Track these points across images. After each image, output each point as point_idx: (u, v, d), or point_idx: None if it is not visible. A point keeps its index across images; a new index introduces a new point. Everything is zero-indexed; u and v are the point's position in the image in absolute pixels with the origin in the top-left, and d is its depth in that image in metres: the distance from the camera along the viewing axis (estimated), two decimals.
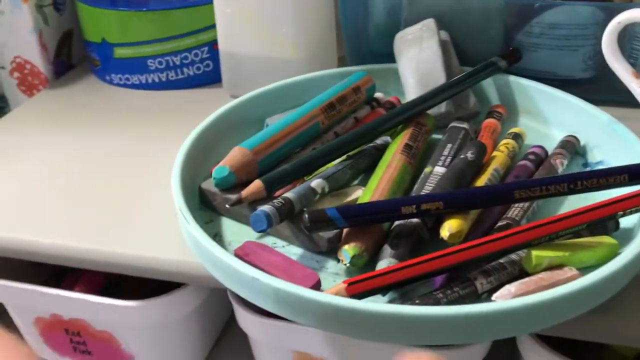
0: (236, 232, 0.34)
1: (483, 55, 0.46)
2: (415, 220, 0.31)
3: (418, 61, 0.44)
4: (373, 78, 0.45)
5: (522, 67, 0.46)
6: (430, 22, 0.45)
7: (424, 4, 0.47)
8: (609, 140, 0.38)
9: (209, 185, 0.35)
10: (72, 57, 0.59)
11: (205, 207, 0.36)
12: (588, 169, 0.39)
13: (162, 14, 0.50)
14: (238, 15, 0.47)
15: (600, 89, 0.46)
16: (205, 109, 0.42)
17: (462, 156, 0.35)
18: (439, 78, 0.43)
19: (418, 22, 0.46)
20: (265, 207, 0.31)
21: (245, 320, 0.40)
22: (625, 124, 0.39)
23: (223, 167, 0.35)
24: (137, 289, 0.43)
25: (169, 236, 0.35)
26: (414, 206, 0.30)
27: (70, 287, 0.44)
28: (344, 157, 0.37)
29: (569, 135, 0.39)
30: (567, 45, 0.45)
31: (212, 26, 0.50)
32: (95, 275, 0.46)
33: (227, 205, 0.33)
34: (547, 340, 0.36)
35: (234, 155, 0.35)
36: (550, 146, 0.39)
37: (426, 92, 0.41)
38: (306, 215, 0.30)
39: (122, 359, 0.44)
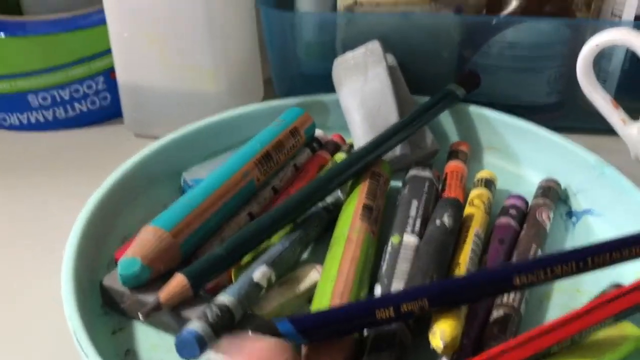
0: (156, 344, 0.26)
1: (435, 79, 0.40)
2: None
3: (364, 93, 0.37)
4: (308, 110, 0.37)
5: (479, 92, 0.40)
6: (375, 46, 0.38)
7: (365, 22, 0.40)
8: (596, 185, 0.33)
9: (114, 281, 0.27)
10: None
11: (110, 310, 0.27)
12: (574, 219, 0.33)
13: (45, 38, 0.40)
14: (139, 40, 0.38)
15: (567, 114, 0.41)
16: (105, 154, 0.35)
17: (437, 222, 0.28)
18: (390, 114, 0.36)
19: (358, 42, 0.39)
20: (195, 326, 0.23)
21: None
22: (599, 154, 0.34)
23: (133, 258, 0.26)
24: None
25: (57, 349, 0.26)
26: (392, 308, 0.23)
27: None
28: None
29: (549, 180, 0.33)
30: (530, 66, 0.39)
31: (109, 51, 0.41)
32: None
33: (140, 313, 0.25)
34: None
35: (147, 240, 0.27)
36: (526, 191, 0.33)
37: (378, 134, 0.34)
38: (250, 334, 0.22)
39: None
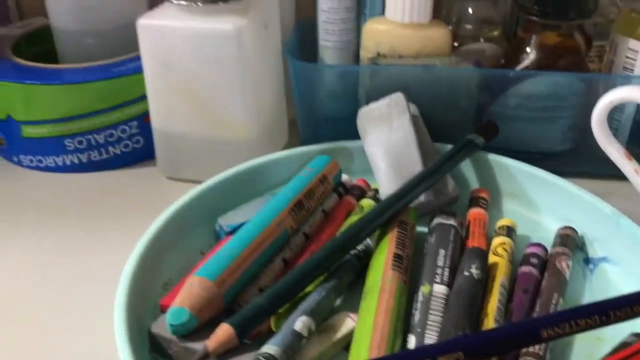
0: None
1: (454, 127, 0.42)
2: None
3: (389, 143, 0.38)
4: (333, 156, 0.39)
5: (498, 141, 0.42)
6: (399, 98, 0.40)
7: (388, 74, 0.42)
8: (612, 234, 0.34)
9: (162, 328, 0.28)
10: None
11: (158, 356, 0.29)
12: (591, 266, 0.35)
13: (81, 87, 0.42)
14: (174, 90, 0.40)
15: (580, 160, 0.43)
16: (138, 196, 0.36)
17: (465, 273, 0.30)
18: (415, 163, 0.38)
19: (380, 91, 0.41)
20: None
21: None
22: (611, 200, 0.36)
23: (181, 308, 0.28)
24: None
25: None
26: None
27: None
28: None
29: (567, 228, 0.35)
30: (546, 117, 0.41)
31: (142, 97, 0.43)
32: None
33: None
34: None
35: (193, 291, 0.28)
36: (544, 237, 0.35)
37: (403, 181, 0.36)
38: None
39: None
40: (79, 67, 0.44)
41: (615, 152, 0.37)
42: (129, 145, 0.45)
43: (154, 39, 0.39)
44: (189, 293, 0.28)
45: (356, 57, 0.49)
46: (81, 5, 0.46)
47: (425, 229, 0.35)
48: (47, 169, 0.45)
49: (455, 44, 0.46)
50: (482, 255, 0.31)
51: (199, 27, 0.37)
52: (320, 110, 0.45)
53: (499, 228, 0.35)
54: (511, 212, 0.39)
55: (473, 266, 0.30)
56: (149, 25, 0.38)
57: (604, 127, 0.36)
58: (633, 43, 0.40)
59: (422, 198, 0.37)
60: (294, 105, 0.46)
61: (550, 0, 0.38)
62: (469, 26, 0.46)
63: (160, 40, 0.38)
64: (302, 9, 0.51)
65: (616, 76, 0.41)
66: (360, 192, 0.39)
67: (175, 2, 0.38)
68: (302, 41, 0.48)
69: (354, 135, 0.41)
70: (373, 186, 0.40)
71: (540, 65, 0.41)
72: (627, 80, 0.40)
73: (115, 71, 0.43)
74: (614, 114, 0.42)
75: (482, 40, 0.46)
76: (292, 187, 0.36)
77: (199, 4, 0.38)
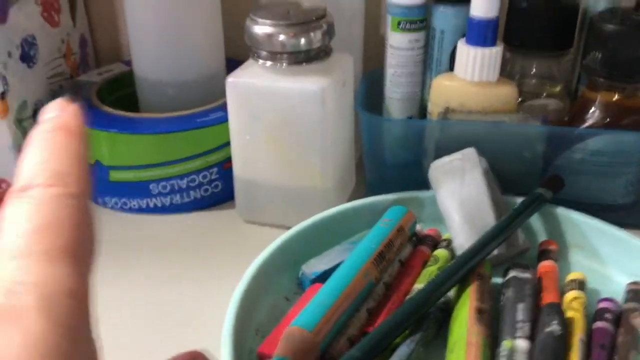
0: None
1: (521, 180, 0.44)
2: None
3: (462, 196, 0.41)
4: (410, 205, 0.42)
5: (562, 192, 0.44)
6: (472, 152, 0.42)
7: (457, 129, 0.44)
8: None
9: None
10: None
11: None
12: None
13: (167, 137, 0.45)
14: (258, 141, 0.43)
15: None
16: (218, 237, 0.40)
17: (547, 329, 0.32)
18: (488, 216, 0.40)
19: (451, 144, 0.43)
20: None
21: None
22: None
23: (284, 358, 0.30)
24: None
25: None
26: None
27: None
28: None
29: (637, 283, 0.37)
30: (610, 172, 0.43)
31: (223, 146, 0.46)
32: None
33: None
34: None
35: (294, 341, 0.31)
36: (613, 290, 0.37)
37: (477, 234, 0.38)
38: None
39: None
40: (163, 117, 0.47)
41: None
42: (209, 190, 0.48)
43: (242, 95, 0.41)
44: (289, 343, 0.31)
45: (420, 108, 0.51)
46: (165, 58, 0.49)
47: (498, 279, 0.37)
48: (131, 210, 0.48)
49: (520, 98, 0.48)
50: (560, 310, 0.33)
51: (285, 86, 0.40)
52: (387, 158, 0.48)
53: (570, 281, 0.37)
54: (578, 264, 0.40)
55: (554, 322, 0.32)
56: (237, 82, 0.41)
57: None
58: None
59: (495, 251, 0.39)
60: (359, 148, 0.48)
61: (616, 63, 0.40)
62: (531, 82, 0.48)
63: (247, 96, 0.41)
64: (368, 62, 0.53)
65: None
66: (433, 242, 0.41)
67: (260, 62, 0.41)
68: (369, 90, 0.51)
69: (417, 180, 0.44)
70: (444, 236, 0.42)
71: (605, 124, 0.42)
72: None
73: (199, 122, 0.46)
74: None
75: (544, 95, 0.48)
76: (373, 237, 0.38)
77: (285, 64, 0.40)
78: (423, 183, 0.44)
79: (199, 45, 0.49)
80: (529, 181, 0.43)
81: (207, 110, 0.47)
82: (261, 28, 0.40)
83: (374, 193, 0.46)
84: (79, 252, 0.17)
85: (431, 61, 0.49)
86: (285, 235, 0.39)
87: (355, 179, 0.50)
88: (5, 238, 0.16)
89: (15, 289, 0.15)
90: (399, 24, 0.47)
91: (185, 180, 0.47)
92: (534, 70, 0.48)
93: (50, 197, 0.17)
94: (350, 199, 0.47)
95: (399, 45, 0.48)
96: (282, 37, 0.40)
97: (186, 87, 0.50)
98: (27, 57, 0.48)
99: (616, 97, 0.42)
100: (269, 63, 0.41)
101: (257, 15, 0.40)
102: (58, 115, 0.20)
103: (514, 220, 0.39)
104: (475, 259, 0.36)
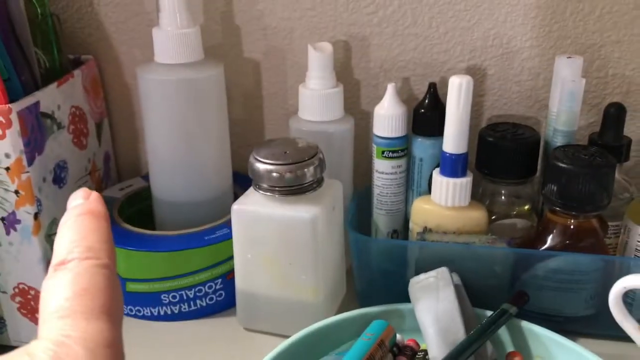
0: None
1: (490, 293, 0.49)
2: None
3: (437, 312, 0.46)
4: (390, 317, 0.47)
5: (528, 305, 0.49)
6: (444, 272, 0.48)
7: (433, 249, 0.50)
8: None
9: None
10: None
11: None
12: None
13: (177, 254, 0.51)
14: (258, 259, 0.48)
15: (601, 324, 0.49)
16: (220, 342, 0.45)
17: None
18: (459, 331, 0.45)
19: (428, 261, 0.49)
20: None
21: None
22: None
23: None
24: None
25: None
26: None
27: None
28: None
29: None
30: (570, 287, 0.48)
31: (227, 259, 0.52)
32: None
33: None
34: None
35: None
36: None
37: (449, 347, 0.43)
38: None
39: None
40: (174, 234, 0.53)
41: (630, 327, 0.43)
42: (214, 299, 0.53)
43: (245, 221, 0.48)
44: None
45: (404, 221, 0.57)
46: (179, 182, 0.56)
47: None
48: (144, 317, 0.53)
49: (494, 216, 0.54)
50: None
51: (282, 214, 0.46)
52: (374, 271, 0.53)
53: None
54: None
55: None
56: (241, 210, 0.48)
57: (619, 306, 0.43)
58: None
59: None
60: (350, 258, 0.54)
61: (568, 196, 0.47)
62: (502, 202, 0.54)
63: (249, 222, 0.48)
64: (358, 182, 0.60)
65: (629, 259, 0.49)
66: (412, 352, 0.46)
67: (261, 192, 0.47)
68: (359, 207, 0.57)
69: (403, 290, 0.49)
70: (422, 346, 0.47)
71: (564, 246, 0.48)
72: (638, 262, 0.48)
73: (207, 239, 0.52)
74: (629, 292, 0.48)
75: (514, 213, 0.54)
76: (356, 352, 0.43)
77: (277, 195, 0.47)
78: (407, 294, 0.49)
79: (210, 170, 0.56)
80: (498, 295, 0.49)
81: (214, 228, 0.54)
82: (262, 166, 0.46)
83: (363, 301, 0.51)
84: (112, 310, 0.22)
85: (412, 183, 0.56)
86: (276, 349, 0.45)
87: (347, 286, 0.55)
88: (51, 303, 0.21)
89: (65, 341, 0.20)
90: (383, 152, 0.54)
91: (193, 291, 0.52)
92: (503, 193, 0.54)
93: (86, 268, 0.22)
94: (341, 306, 0.53)
95: (384, 170, 0.55)
96: (280, 174, 0.46)
97: (197, 206, 0.56)
98: (59, 179, 0.55)
99: (573, 222, 0.48)
100: (268, 194, 0.47)
101: (259, 155, 0.47)
102: (84, 202, 0.25)
103: (482, 335, 0.44)
104: None
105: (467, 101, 0.47)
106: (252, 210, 0.47)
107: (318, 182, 0.48)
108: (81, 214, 0.24)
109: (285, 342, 0.45)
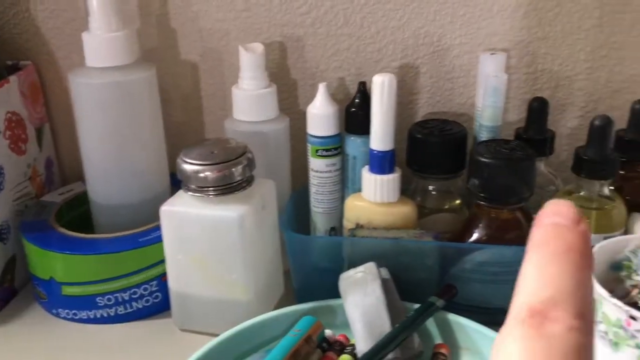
0: None
1: (420, 287, 0.50)
2: None
3: (364, 306, 0.47)
4: (320, 312, 0.48)
5: (457, 297, 0.50)
6: (372, 267, 0.48)
7: (364, 244, 0.51)
8: None
9: None
10: (15, 282, 0.58)
11: None
12: None
13: (111, 256, 0.51)
14: (189, 260, 0.49)
15: None
16: (156, 344, 0.46)
17: None
18: (384, 324, 0.46)
19: (360, 256, 0.50)
20: None
21: None
22: None
23: None
24: None
25: None
26: None
27: None
28: None
29: None
30: (497, 279, 0.49)
31: (162, 261, 0.52)
32: None
33: None
34: None
35: None
36: None
37: (375, 340, 0.44)
38: None
39: None
40: (111, 237, 0.53)
41: None
42: (150, 301, 0.54)
43: (173, 222, 0.48)
44: None
45: (341, 219, 0.58)
46: (115, 185, 0.56)
47: None
48: (81, 320, 0.53)
49: (426, 210, 0.55)
50: None
51: (209, 214, 0.47)
52: (310, 269, 0.54)
53: None
54: None
55: None
56: (169, 210, 0.48)
57: None
58: None
59: (390, 355, 0.44)
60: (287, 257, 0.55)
61: (490, 190, 0.48)
62: (433, 197, 0.55)
63: (178, 223, 0.48)
64: (296, 182, 0.60)
65: None
66: (341, 347, 0.47)
67: (190, 193, 0.48)
68: (297, 206, 0.57)
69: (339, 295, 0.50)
70: (352, 341, 0.47)
71: (489, 239, 0.49)
72: None
73: (142, 241, 0.52)
74: None
75: (446, 207, 0.55)
76: (281, 348, 0.44)
77: (211, 195, 0.47)
78: None
79: (145, 172, 0.57)
80: (429, 288, 0.49)
81: (148, 230, 0.54)
82: (189, 166, 0.47)
83: (301, 299, 0.52)
84: None
85: (347, 181, 0.56)
86: (205, 347, 0.45)
87: (285, 285, 0.56)
88: None
89: None
90: (316, 151, 0.55)
91: (128, 293, 0.52)
92: (434, 188, 0.55)
93: (577, 346, 0.15)
94: (278, 305, 0.53)
95: (318, 168, 0.55)
96: (207, 174, 0.47)
97: (134, 208, 0.56)
98: None
99: (497, 215, 0.49)
100: (198, 194, 0.48)
101: (186, 156, 0.47)
102: (572, 230, 0.17)
103: (407, 328, 0.45)
104: None
105: (390, 99, 0.48)
106: (180, 211, 0.48)
107: (247, 182, 0.49)
108: (569, 252, 0.17)
109: (212, 342, 0.45)
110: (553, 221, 0.18)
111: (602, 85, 0.57)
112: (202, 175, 0.47)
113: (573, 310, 0.16)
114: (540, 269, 0.17)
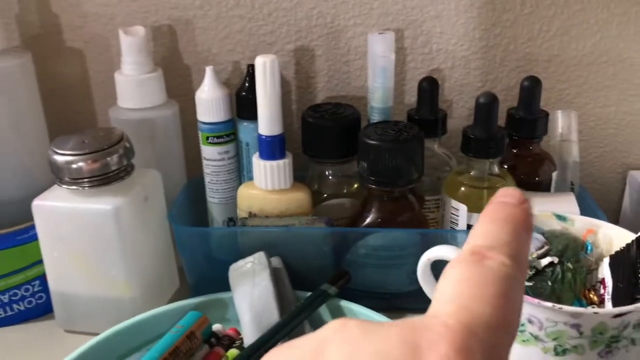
0: None
1: (315, 274, 0.48)
2: None
3: (252, 297, 0.45)
4: (210, 307, 0.46)
5: (354, 284, 0.48)
6: (261, 256, 0.46)
7: (256, 233, 0.49)
8: None
9: None
10: None
11: None
12: None
13: None
14: (66, 257, 0.46)
15: (426, 298, 0.50)
16: (40, 349, 0.43)
17: None
18: (272, 315, 0.44)
19: (251, 246, 0.48)
20: None
21: None
22: None
23: None
24: None
25: None
26: None
27: None
28: None
29: None
30: (391, 264, 0.48)
31: (41, 260, 0.49)
32: None
33: None
34: None
35: None
36: None
37: (263, 333, 0.42)
38: None
39: None
40: None
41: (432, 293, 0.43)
42: (32, 302, 0.50)
43: (46, 217, 0.45)
44: None
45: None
46: None
47: None
48: None
49: (325, 195, 0.53)
50: None
51: (83, 207, 0.44)
52: (204, 261, 0.52)
53: None
54: None
55: None
56: (41, 205, 0.45)
57: (427, 277, 0.43)
58: (454, 203, 0.48)
59: (278, 345, 0.43)
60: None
61: (378, 172, 0.46)
62: (331, 182, 0.53)
63: (51, 218, 0.45)
64: (191, 170, 0.58)
65: (446, 231, 0.49)
66: (230, 341, 0.45)
67: (64, 187, 0.45)
68: (193, 196, 0.55)
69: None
70: (242, 335, 0.46)
71: (382, 222, 0.48)
72: (453, 233, 0.48)
73: (19, 239, 0.49)
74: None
75: (345, 192, 0.54)
76: (160, 345, 0.41)
77: (86, 187, 0.44)
78: None
79: (26, 166, 0.53)
80: (324, 275, 0.48)
81: (27, 227, 0.50)
82: (59, 157, 0.44)
83: (198, 292, 0.50)
84: (509, 320, 0.19)
85: (242, 169, 0.54)
86: (83, 347, 0.42)
87: (181, 281, 0.54)
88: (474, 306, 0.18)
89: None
90: (207, 138, 0.52)
91: (7, 295, 0.49)
92: (331, 173, 0.53)
93: (505, 275, 0.19)
94: (172, 300, 0.51)
95: (211, 157, 0.53)
96: (80, 164, 0.44)
97: (16, 204, 0.53)
98: None
99: (387, 197, 0.48)
100: (72, 187, 0.45)
101: (56, 147, 0.44)
102: (518, 207, 0.22)
103: (295, 317, 0.44)
104: (257, 354, 0.40)
105: (273, 81, 0.46)
106: (52, 205, 0.45)
107: (126, 171, 0.46)
108: (511, 218, 0.21)
109: (90, 341, 0.43)
110: (502, 200, 0.22)
111: (497, 64, 0.57)
112: (74, 166, 0.44)
113: (507, 254, 0.20)
114: (485, 226, 0.21)
